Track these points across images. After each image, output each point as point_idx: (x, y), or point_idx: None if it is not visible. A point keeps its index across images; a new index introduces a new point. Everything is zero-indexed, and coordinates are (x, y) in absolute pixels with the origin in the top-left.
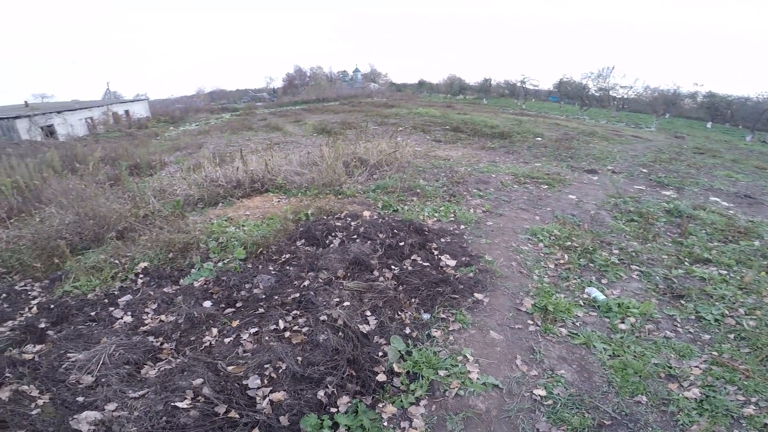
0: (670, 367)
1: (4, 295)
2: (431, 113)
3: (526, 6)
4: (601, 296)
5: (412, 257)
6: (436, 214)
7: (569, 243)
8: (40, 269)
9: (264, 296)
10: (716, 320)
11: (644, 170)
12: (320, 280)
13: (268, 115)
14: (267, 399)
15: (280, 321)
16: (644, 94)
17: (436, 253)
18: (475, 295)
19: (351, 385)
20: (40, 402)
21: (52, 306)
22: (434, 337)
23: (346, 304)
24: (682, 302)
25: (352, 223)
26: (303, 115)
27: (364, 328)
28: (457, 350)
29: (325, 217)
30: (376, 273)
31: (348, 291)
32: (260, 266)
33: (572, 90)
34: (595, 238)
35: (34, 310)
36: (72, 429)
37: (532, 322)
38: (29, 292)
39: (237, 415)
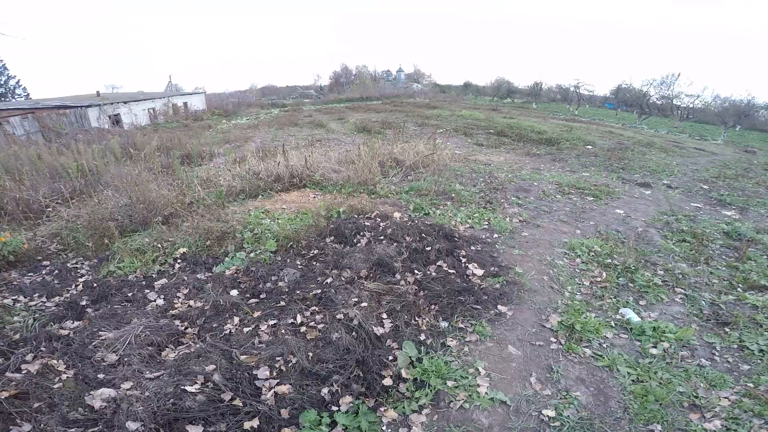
0: (696, 397)
1: (56, 271)
2: (475, 116)
3: (582, 9)
4: (635, 318)
5: (438, 263)
6: (469, 221)
7: (609, 260)
8: (92, 248)
9: (287, 290)
10: (761, 350)
11: (704, 186)
12: (343, 279)
13: (314, 112)
14: (272, 391)
15: (299, 315)
16: (713, 104)
17: (463, 260)
18: (499, 307)
19: (356, 386)
20: (63, 377)
21: (95, 285)
22: (449, 346)
23: (363, 304)
24: (727, 330)
25: (381, 224)
26: (346, 113)
27: (378, 331)
28: (470, 362)
29: (355, 216)
30: (398, 276)
31: (367, 292)
32: (288, 260)
33: (631, 97)
34: (639, 256)
35: (80, 287)
36: (86, 404)
37: (555, 340)
38: (79, 270)
39: (240, 404)
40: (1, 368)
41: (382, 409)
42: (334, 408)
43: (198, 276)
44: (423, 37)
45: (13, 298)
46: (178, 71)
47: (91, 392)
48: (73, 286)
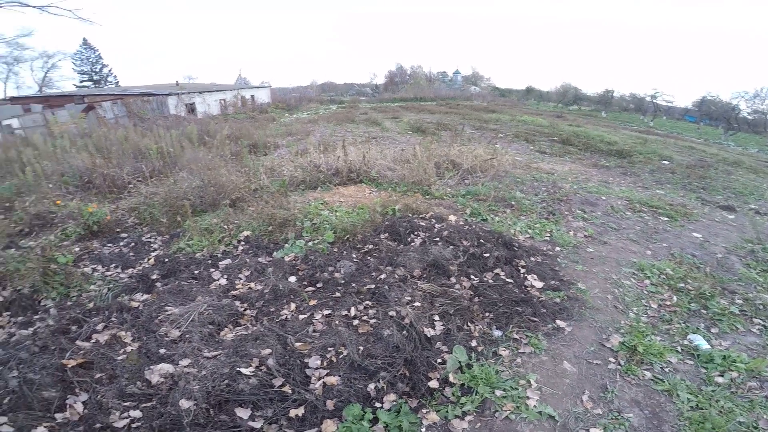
0: (756, 428)
1: (133, 244)
2: (538, 122)
3: (662, 12)
4: (705, 345)
5: (495, 271)
6: (529, 231)
7: (682, 284)
8: (165, 225)
9: (343, 281)
10: None
11: None
12: (396, 276)
13: (369, 110)
14: (321, 381)
15: (352, 308)
16: None
17: (522, 271)
18: (558, 321)
19: (401, 385)
20: (128, 349)
21: (166, 260)
22: (500, 355)
23: (416, 304)
24: None
25: (436, 225)
26: (400, 112)
27: (429, 332)
28: (521, 374)
29: (410, 215)
30: (453, 279)
31: (421, 292)
32: (344, 252)
33: (717, 110)
34: (716, 283)
35: (152, 261)
36: (144, 378)
37: (614, 360)
38: (152, 244)
39: (290, 391)
40: (73, 336)
41: (424, 410)
42: (378, 405)
43: (259, 259)
44: (484, 39)
45: (93, 266)
46: (246, 65)
47: (151, 367)
48: (146, 260)
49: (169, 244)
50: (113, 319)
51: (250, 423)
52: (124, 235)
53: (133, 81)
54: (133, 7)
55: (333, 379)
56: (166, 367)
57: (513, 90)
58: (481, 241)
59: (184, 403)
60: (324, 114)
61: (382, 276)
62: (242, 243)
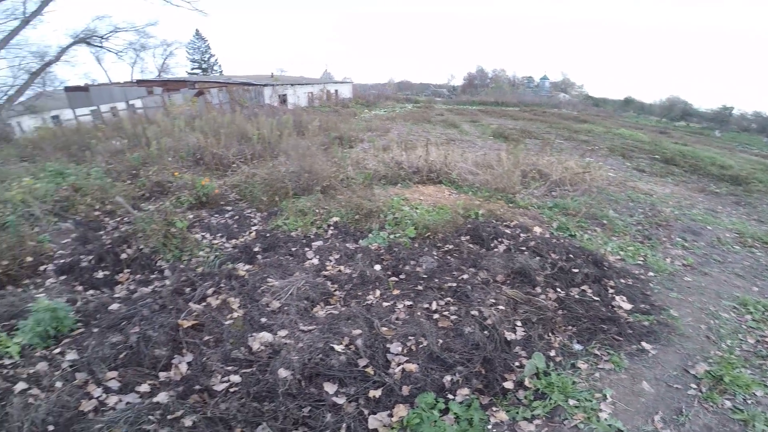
0: None
1: (237, 217)
2: (637, 137)
3: None
4: None
5: (582, 287)
6: (620, 252)
7: None
8: (265, 203)
9: (425, 276)
10: None
11: None
12: (478, 279)
13: (445, 111)
14: (401, 367)
15: (434, 302)
16: None
17: (611, 291)
18: (643, 344)
19: (476, 381)
20: (235, 315)
21: (267, 235)
22: (579, 368)
23: (500, 307)
24: None
25: (521, 235)
26: (479, 116)
27: (509, 336)
28: (597, 387)
29: (494, 221)
30: (538, 289)
31: (505, 296)
32: (425, 248)
33: None
34: None
35: (253, 235)
36: (244, 344)
37: (695, 387)
38: (252, 219)
39: (371, 372)
40: (187, 297)
41: (493, 408)
42: (450, 397)
43: (347, 245)
44: (577, 45)
45: (202, 234)
46: (331, 60)
47: (254, 334)
48: (248, 233)
49: (268, 220)
50: (222, 284)
51: (334, 398)
52: (228, 208)
53: (233, 71)
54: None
55: (412, 366)
56: (266, 336)
57: (608, 100)
58: (570, 256)
59: (282, 372)
60: (400, 112)
61: (464, 276)
62: (331, 228)
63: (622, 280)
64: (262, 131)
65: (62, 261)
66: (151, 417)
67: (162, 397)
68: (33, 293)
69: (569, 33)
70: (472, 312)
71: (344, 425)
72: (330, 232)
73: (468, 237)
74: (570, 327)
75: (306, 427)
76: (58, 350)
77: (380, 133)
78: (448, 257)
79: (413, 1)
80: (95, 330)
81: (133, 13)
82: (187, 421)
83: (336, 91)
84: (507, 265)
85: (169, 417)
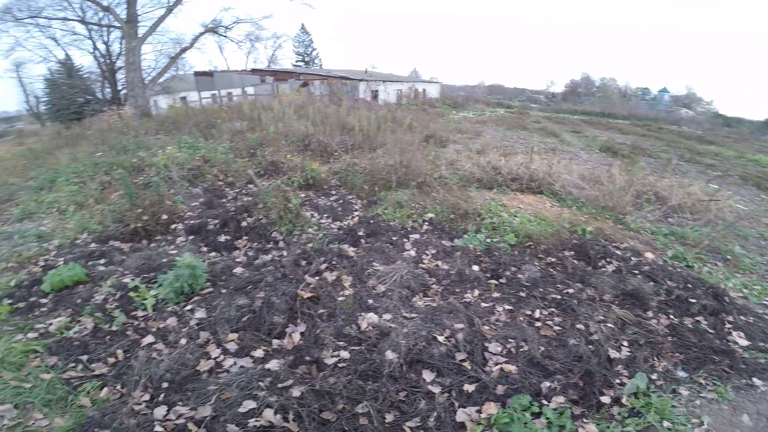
0: None
1: (341, 201)
2: None
3: None
4: None
5: (697, 318)
6: (744, 290)
7: None
8: (365, 191)
9: (527, 284)
10: None
11: None
12: (585, 295)
13: (542, 119)
14: (499, 366)
15: (537, 311)
16: None
17: (728, 326)
18: (754, 379)
19: (572, 391)
20: (346, 293)
21: (371, 222)
22: (680, 394)
23: (608, 325)
24: None
25: (633, 258)
26: (582, 126)
27: (614, 354)
28: (695, 414)
29: (602, 240)
30: (650, 314)
31: (614, 315)
32: (526, 257)
33: None
34: None
35: (356, 220)
36: (355, 322)
37: None
38: (354, 205)
39: (468, 366)
40: (303, 269)
41: (584, 420)
42: (545, 402)
43: (443, 242)
44: (707, 57)
45: (310, 213)
46: (419, 59)
47: (362, 313)
48: (350, 217)
49: (368, 208)
50: (334, 261)
51: (430, 386)
52: (333, 192)
53: (331, 64)
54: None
55: (511, 368)
56: (373, 317)
57: (744, 120)
58: (689, 285)
59: (390, 354)
60: (491, 116)
61: (569, 291)
62: (426, 223)
63: (743, 317)
64: (363, 124)
65: (191, 222)
66: (261, 383)
67: (273, 365)
68: (166, 249)
69: (697, 43)
70: (578, 325)
71: (435, 414)
72: (425, 227)
73: (572, 252)
74: (678, 354)
75: (399, 411)
76: (189, 307)
77: (471, 135)
78: (551, 269)
79: (516, 5)
80: (223, 291)
81: (252, 5)
82: (295, 391)
83: (424, 90)
84: (617, 285)
85: (279, 385)
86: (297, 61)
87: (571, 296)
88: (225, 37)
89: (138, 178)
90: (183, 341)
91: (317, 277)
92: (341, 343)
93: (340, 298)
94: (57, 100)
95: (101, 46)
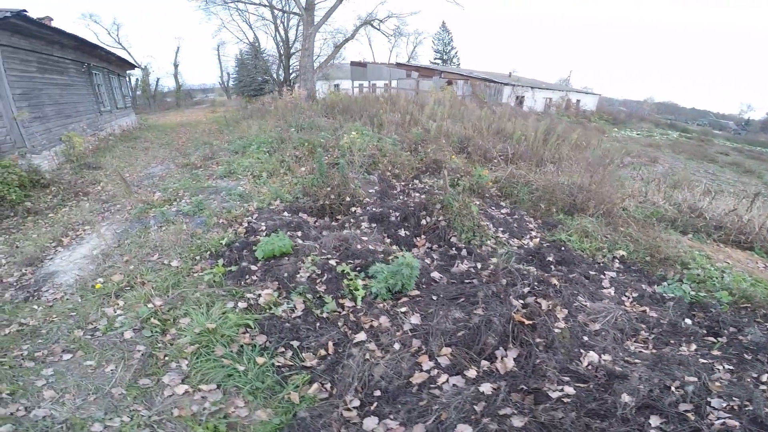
0: None
1: (515, 216)
2: None
3: None
4: None
5: None
6: None
7: None
8: (541, 209)
9: (751, 348)
10: None
11: None
12: None
13: (731, 150)
14: (721, 420)
15: (764, 375)
16: None
17: None
18: None
19: None
20: (560, 325)
21: (561, 248)
22: None
23: None
24: None
25: None
26: None
27: None
28: None
29: None
30: None
31: None
32: (745, 319)
33: None
34: None
35: (536, 241)
36: (578, 358)
37: None
38: (528, 224)
39: (692, 417)
40: (512, 290)
41: None
42: None
43: (642, 285)
44: None
45: (486, 223)
46: (574, 67)
47: (581, 350)
48: (527, 236)
49: (545, 229)
50: (535, 285)
51: (653, 431)
52: (502, 204)
53: (470, 65)
54: None
55: (735, 423)
56: (594, 356)
57: None
58: None
59: (626, 397)
60: (661, 140)
61: None
62: (617, 260)
63: None
64: (527, 132)
65: (373, 210)
66: (475, 407)
67: (487, 388)
68: (357, 234)
69: None
70: None
71: None
72: (616, 264)
73: None
74: None
75: None
76: (402, 309)
77: (643, 161)
78: None
79: (705, 12)
80: (434, 297)
81: (399, 1)
82: (517, 421)
83: (578, 101)
84: None
85: (499, 413)
86: (435, 59)
87: None
88: (378, 30)
89: (323, 158)
90: (396, 346)
91: (523, 301)
92: (565, 378)
93: (556, 330)
94: (243, 77)
95: (282, 32)
